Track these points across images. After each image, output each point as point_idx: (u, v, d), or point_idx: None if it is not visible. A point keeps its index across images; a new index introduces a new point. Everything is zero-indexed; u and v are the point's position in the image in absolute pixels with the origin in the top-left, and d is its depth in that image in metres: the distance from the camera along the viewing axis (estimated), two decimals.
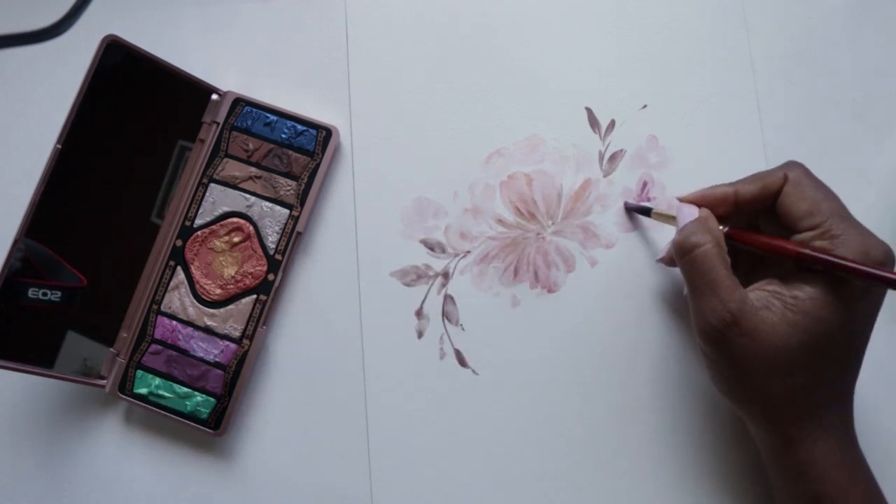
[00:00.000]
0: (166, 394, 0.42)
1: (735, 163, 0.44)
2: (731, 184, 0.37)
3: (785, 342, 0.33)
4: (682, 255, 0.35)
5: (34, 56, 0.46)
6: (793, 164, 0.36)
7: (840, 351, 0.34)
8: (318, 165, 0.43)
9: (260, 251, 0.43)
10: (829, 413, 0.34)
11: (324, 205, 0.44)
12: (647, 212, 0.42)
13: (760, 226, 0.38)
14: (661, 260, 0.41)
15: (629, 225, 0.43)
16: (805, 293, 0.33)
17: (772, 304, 0.33)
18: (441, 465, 0.42)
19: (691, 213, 0.36)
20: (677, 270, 0.43)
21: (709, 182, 0.43)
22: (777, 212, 0.35)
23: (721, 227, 0.36)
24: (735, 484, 0.41)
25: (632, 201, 0.43)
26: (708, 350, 0.35)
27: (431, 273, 0.43)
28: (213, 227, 0.43)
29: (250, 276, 0.43)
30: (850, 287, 0.33)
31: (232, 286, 0.43)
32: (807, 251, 0.33)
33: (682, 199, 0.38)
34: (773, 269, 0.36)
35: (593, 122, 0.44)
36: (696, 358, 0.42)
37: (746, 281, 0.35)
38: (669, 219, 0.39)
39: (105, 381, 0.42)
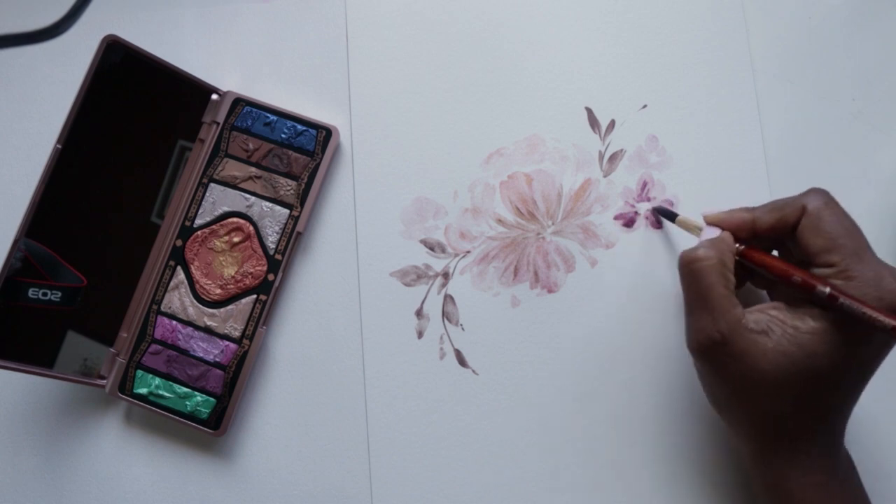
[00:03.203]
0: (166, 394, 0.42)
1: (735, 163, 0.44)
2: (751, 209, 0.36)
3: (773, 369, 0.32)
4: (681, 266, 0.35)
5: (34, 56, 0.46)
6: (815, 194, 0.35)
7: (829, 387, 0.33)
8: (318, 165, 0.43)
9: (260, 251, 0.43)
10: (812, 437, 0.34)
11: (324, 205, 0.44)
12: (672, 217, 0.41)
13: (790, 248, 0.37)
14: None
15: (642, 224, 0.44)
16: (806, 325, 0.32)
17: (771, 329, 0.33)
18: (441, 466, 0.42)
19: (713, 233, 0.36)
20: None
21: (708, 182, 0.43)
22: (796, 244, 0.35)
23: (738, 245, 0.36)
24: (740, 484, 0.41)
25: (664, 205, 0.43)
26: (696, 364, 0.36)
27: (431, 273, 0.43)
28: (213, 226, 0.43)
29: (250, 276, 0.43)
30: (854, 329, 0.32)
31: (232, 286, 0.43)
32: (810, 282, 0.32)
33: (707, 216, 0.37)
34: (787, 291, 0.35)
35: (593, 122, 0.44)
36: None
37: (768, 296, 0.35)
38: (693, 228, 0.39)
39: (105, 381, 0.42)
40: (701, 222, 0.38)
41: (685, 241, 0.43)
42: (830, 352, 0.32)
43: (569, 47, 0.45)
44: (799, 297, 0.34)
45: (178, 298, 0.43)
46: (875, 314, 0.30)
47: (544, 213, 0.44)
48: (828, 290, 0.32)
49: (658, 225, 0.43)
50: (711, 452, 0.42)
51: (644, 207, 0.44)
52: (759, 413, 0.34)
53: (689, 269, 0.34)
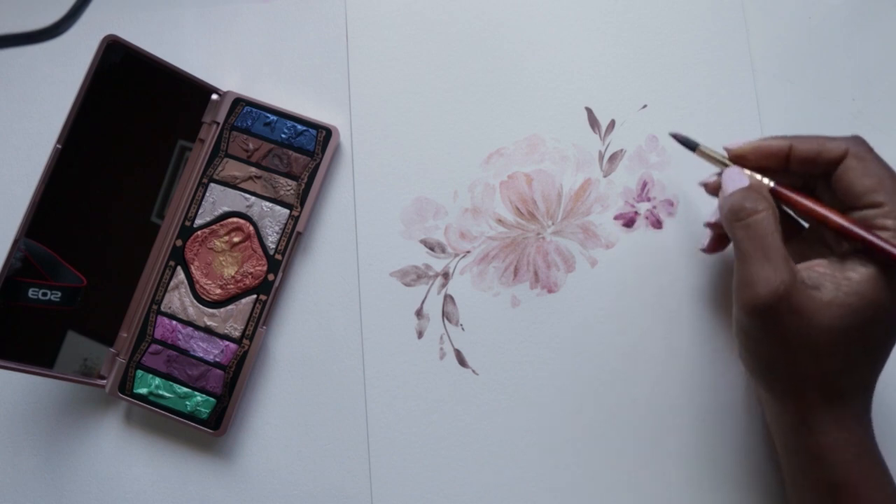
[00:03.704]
0: (166, 394, 0.42)
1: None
2: (785, 137, 0.35)
3: (831, 323, 0.32)
4: (736, 219, 0.34)
5: (34, 56, 0.46)
6: (857, 139, 0.34)
7: (884, 336, 0.33)
8: (318, 165, 0.43)
9: (260, 251, 0.43)
10: (854, 400, 0.34)
11: (324, 205, 0.44)
12: (692, 147, 0.38)
13: (817, 193, 0.36)
14: (705, 249, 0.40)
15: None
16: (859, 274, 0.32)
17: (823, 284, 0.32)
18: (441, 466, 0.42)
19: (741, 179, 0.35)
20: (679, 272, 0.43)
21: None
22: (835, 185, 0.34)
23: (768, 182, 0.35)
24: (738, 484, 0.41)
25: (681, 133, 0.40)
26: (749, 324, 0.34)
27: (431, 273, 0.43)
28: (213, 227, 0.43)
29: (250, 276, 0.43)
30: None
31: (232, 286, 0.43)
32: (854, 228, 0.32)
33: (731, 149, 0.36)
34: (817, 250, 0.35)
35: (593, 122, 0.44)
36: (697, 357, 0.42)
37: None
38: (714, 160, 0.37)
39: (105, 381, 0.42)
40: (721, 151, 0.36)
41: (685, 242, 0.43)
42: (890, 296, 0.32)
43: (569, 47, 0.45)
44: (837, 251, 0.34)
45: (178, 298, 0.43)
46: None
47: (544, 213, 0.44)
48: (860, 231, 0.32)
49: (658, 225, 0.43)
50: (711, 451, 0.41)
51: (644, 207, 0.44)
52: (811, 373, 0.33)
53: (746, 222, 0.33)
